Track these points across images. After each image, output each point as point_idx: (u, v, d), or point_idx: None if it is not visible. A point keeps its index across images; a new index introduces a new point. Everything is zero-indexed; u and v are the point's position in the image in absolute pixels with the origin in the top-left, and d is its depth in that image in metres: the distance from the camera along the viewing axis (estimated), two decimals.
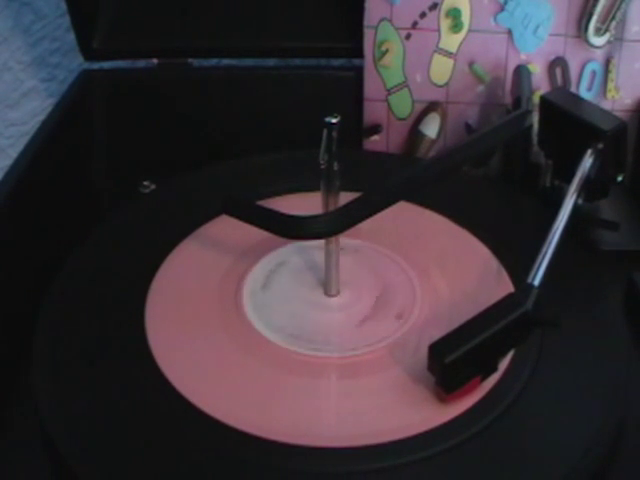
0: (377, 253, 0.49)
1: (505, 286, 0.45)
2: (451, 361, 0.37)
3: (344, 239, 0.45)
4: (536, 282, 0.41)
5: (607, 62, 0.59)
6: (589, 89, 0.60)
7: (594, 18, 0.58)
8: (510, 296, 0.40)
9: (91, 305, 0.45)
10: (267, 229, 0.42)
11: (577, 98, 0.54)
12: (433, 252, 0.49)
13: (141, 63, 0.67)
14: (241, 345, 0.42)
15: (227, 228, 0.49)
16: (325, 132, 0.41)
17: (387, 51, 0.61)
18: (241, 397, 0.39)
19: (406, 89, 0.62)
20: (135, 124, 0.65)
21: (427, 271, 0.47)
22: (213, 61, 0.69)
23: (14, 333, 0.45)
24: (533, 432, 0.38)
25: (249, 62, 0.67)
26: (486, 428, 0.37)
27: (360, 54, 0.61)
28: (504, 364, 0.40)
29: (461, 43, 0.60)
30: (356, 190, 0.42)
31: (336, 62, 0.69)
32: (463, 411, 0.38)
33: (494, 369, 0.39)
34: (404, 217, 0.51)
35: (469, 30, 0.59)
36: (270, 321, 0.43)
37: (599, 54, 0.59)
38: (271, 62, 0.68)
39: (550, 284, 0.41)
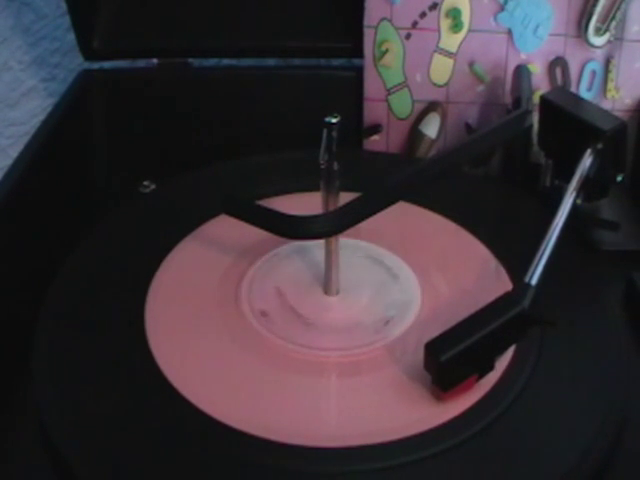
0: (377, 253, 0.49)
1: (505, 286, 0.45)
2: (447, 359, 0.37)
3: (344, 239, 0.45)
4: (533, 281, 0.41)
5: (607, 62, 0.59)
6: (589, 89, 0.60)
7: (594, 18, 0.58)
8: (507, 295, 0.40)
9: (91, 305, 0.45)
10: (267, 229, 0.42)
11: (577, 98, 0.54)
12: (433, 252, 0.49)
13: (141, 63, 0.67)
14: (241, 345, 0.42)
15: (227, 228, 0.49)
16: (325, 132, 0.41)
17: (387, 51, 0.61)
18: (241, 397, 0.39)
19: (406, 89, 0.62)
20: (135, 124, 0.65)
21: (427, 271, 0.47)
22: (213, 61, 0.69)
23: (14, 333, 0.45)
24: (533, 432, 0.38)
25: (249, 62, 0.67)
26: (486, 428, 0.37)
27: (360, 54, 0.61)
28: (503, 364, 0.40)
29: (461, 43, 0.60)
30: (356, 190, 0.42)
31: (336, 62, 0.69)
32: (463, 411, 0.38)
33: (491, 368, 0.39)
34: (404, 217, 0.51)
35: (469, 30, 0.59)
36: (270, 320, 0.43)
37: (599, 54, 0.59)
38: (271, 62, 0.68)
39: (550, 284, 0.41)
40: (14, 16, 0.72)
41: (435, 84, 0.61)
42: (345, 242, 0.46)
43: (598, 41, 0.59)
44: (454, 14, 0.59)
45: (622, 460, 0.39)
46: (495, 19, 0.59)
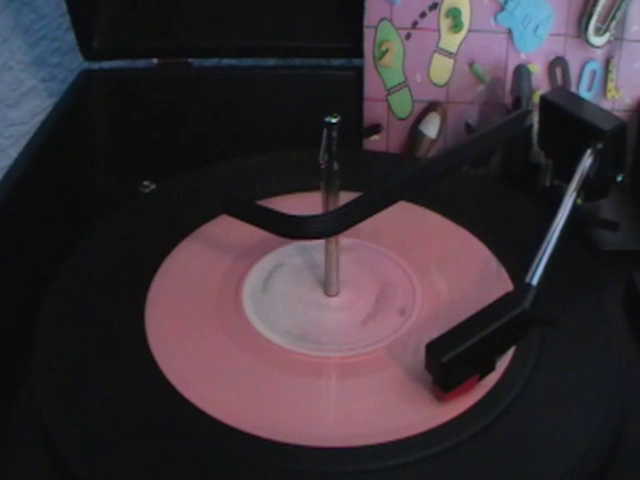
0: (377, 253, 0.49)
1: (505, 286, 0.45)
2: (448, 360, 0.37)
3: (344, 239, 0.45)
4: (534, 281, 0.41)
5: (607, 62, 0.59)
6: (589, 89, 0.60)
7: (594, 18, 0.58)
8: (508, 295, 0.40)
9: (91, 305, 0.45)
10: (267, 229, 0.42)
11: (577, 98, 0.54)
12: (433, 252, 0.49)
13: (141, 63, 0.67)
14: (241, 345, 0.42)
15: (227, 228, 0.49)
16: (325, 132, 0.41)
17: (387, 51, 0.61)
18: (241, 397, 0.39)
19: (406, 89, 0.62)
20: (135, 124, 0.65)
21: (427, 271, 0.47)
22: (213, 61, 0.69)
23: (14, 333, 0.45)
24: (533, 432, 0.38)
25: (249, 62, 0.67)
26: (486, 428, 0.37)
27: (360, 54, 0.61)
28: (504, 364, 0.40)
29: (461, 43, 0.60)
30: (356, 190, 0.42)
31: (336, 62, 0.69)
32: (463, 411, 0.38)
33: (492, 368, 0.39)
34: (404, 217, 0.51)
35: (469, 30, 0.59)
36: (270, 321, 0.43)
37: (599, 54, 0.59)
38: (271, 62, 0.68)
39: (550, 284, 0.41)
40: (14, 16, 0.72)
41: (435, 84, 0.61)
42: (345, 242, 0.46)
43: (598, 41, 0.59)
44: (454, 14, 0.59)
45: (622, 460, 0.39)
46: (495, 19, 0.59)
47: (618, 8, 0.57)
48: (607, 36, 0.58)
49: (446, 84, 0.61)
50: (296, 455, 0.36)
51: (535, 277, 0.41)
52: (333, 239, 0.43)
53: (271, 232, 0.42)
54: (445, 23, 0.59)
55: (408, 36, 0.60)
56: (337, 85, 0.64)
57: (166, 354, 0.41)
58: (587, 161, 0.48)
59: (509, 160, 0.57)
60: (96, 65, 0.67)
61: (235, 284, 0.46)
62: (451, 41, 0.60)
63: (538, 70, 0.60)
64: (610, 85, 0.60)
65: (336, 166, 0.42)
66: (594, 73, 0.59)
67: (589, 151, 0.48)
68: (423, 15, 0.60)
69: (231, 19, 0.64)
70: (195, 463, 0.36)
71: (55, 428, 0.37)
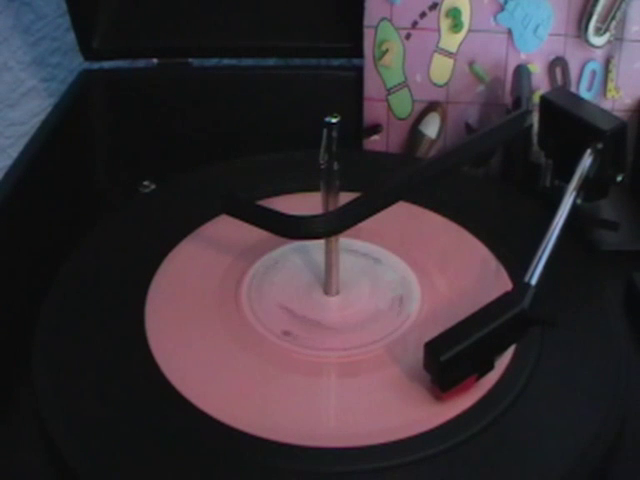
0: (377, 253, 0.49)
1: (505, 286, 0.45)
2: (447, 359, 0.37)
3: (344, 239, 0.45)
4: (533, 281, 0.41)
5: (607, 62, 0.59)
6: (589, 89, 0.60)
7: (594, 18, 0.58)
8: (506, 295, 0.40)
9: (91, 305, 0.45)
10: (267, 229, 0.42)
11: (577, 98, 0.54)
12: (433, 252, 0.49)
13: (141, 63, 0.67)
14: (241, 345, 0.42)
15: (227, 228, 0.49)
16: (325, 132, 0.41)
17: (387, 51, 0.61)
18: (241, 397, 0.39)
19: (406, 89, 0.62)
20: (135, 124, 0.65)
21: (427, 270, 0.47)
22: (213, 61, 0.69)
23: (14, 333, 0.45)
24: (533, 432, 0.38)
25: (249, 62, 0.67)
26: (486, 428, 0.37)
27: (360, 54, 0.61)
28: (504, 363, 0.40)
29: (461, 43, 0.60)
30: (356, 190, 0.42)
31: (336, 62, 0.69)
32: (463, 411, 0.38)
33: (490, 367, 0.39)
34: (404, 217, 0.51)
35: (469, 30, 0.59)
36: (270, 321, 0.43)
37: (599, 54, 0.59)
38: (271, 62, 0.68)
39: (550, 284, 0.41)
40: (14, 16, 0.72)
41: (435, 84, 0.61)
42: (345, 242, 0.46)
43: (598, 41, 0.59)
44: (454, 14, 0.59)
45: (622, 460, 0.39)
46: (495, 19, 0.59)
47: (618, 8, 0.57)
48: (607, 36, 0.58)
49: (446, 84, 0.61)
50: (296, 455, 0.36)
51: (534, 277, 0.41)
52: (333, 239, 0.43)
53: (271, 232, 0.42)
54: (445, 23, 0.59)
55: (408, 36, 0.60)
56: (337, 85, 0.64)
57: (166, 354, 0.41)
58: (587, 161, 0.48)
59: (509, 160, 0.57)
60: (96, 65, 0.67)
61: (235, 284, 0.46)
62: (451, 41, 0.60)
63: (538, 70, 0.60)
64: (610, 85, 0.60)
65: (336, 166, 0.42)
66: (594, 73, 0.59)
67: (589, 151, 0.48)
68: (423, 15, 0.60)
69: (231, 19, 0.64)
70: (195, 463, 0.36)
71: (55, 428, 0.37)
